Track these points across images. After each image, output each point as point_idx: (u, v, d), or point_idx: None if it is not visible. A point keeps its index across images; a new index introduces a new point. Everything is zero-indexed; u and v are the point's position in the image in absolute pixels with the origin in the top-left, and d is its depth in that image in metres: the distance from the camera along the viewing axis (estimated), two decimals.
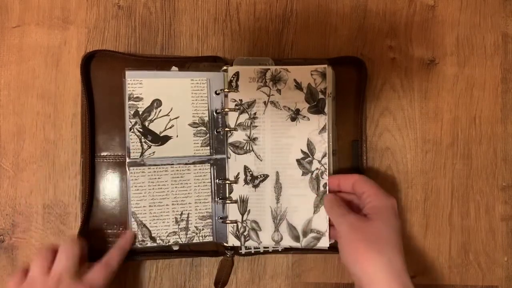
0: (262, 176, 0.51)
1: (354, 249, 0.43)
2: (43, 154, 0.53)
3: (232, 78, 0.51)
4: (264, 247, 0.52)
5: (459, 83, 0.56)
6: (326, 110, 0.50)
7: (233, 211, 0.51)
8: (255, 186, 0.51)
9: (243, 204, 0.51)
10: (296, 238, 0.50)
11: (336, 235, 0.49)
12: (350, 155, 0.54)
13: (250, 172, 0.51)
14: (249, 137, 0.51)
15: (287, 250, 0.52)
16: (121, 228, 0.51)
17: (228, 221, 0.51)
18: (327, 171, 0.50)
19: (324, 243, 0.50)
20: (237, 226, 0.51)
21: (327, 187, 0.50)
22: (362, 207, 0.47)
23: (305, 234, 0.50)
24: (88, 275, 0.46)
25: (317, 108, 0.50)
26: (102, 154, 0.52)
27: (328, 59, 0.53)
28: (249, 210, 0.51)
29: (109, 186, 0.52)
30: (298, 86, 0.50)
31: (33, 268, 0.45)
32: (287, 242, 0.50)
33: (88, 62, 0.52)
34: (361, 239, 0.43)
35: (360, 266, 0.43)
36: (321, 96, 0.50)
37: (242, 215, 0.51)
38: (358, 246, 0.43)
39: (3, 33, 0.54)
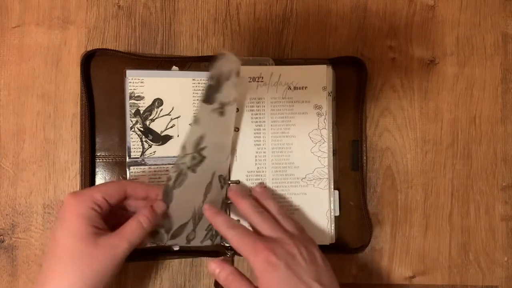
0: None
1: None
2: (43, 154, 0.53)
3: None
4: None
5: (459, 83, 0.56)
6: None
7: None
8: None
9: None
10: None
11: None
12: (350, 155, 0.54)
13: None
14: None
15: None
16: None
17: None
18: (329, 169, 0.50)
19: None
20: None
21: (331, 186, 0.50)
22: None
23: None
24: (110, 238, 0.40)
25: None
26: (102, 153, 0.52)
27: (328, 59, 0.53)
28: None
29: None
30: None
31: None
32: None
33: (88, 61, 0.52)
34: None
35: None
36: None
37: None
38: None
39: (3, 33, 0.54)
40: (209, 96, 0.46)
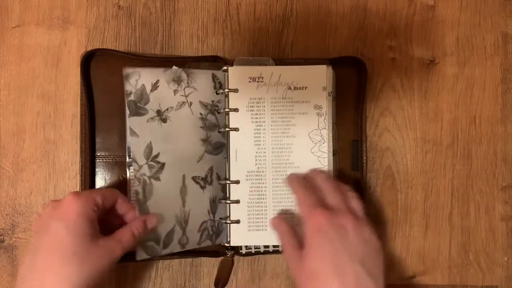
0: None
1: None
2: (43, 154, 0.53)
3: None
4: (265, 247, 0.52)
5: (459, 83, 0.56)
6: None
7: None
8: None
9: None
10: None
11: None
12: (350, 155, 0.54)
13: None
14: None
15: None
16: None
17: (229, 221, 0.51)
18: (329, 169, 0.50)
19: None
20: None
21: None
22: None
23: None
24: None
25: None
26: (102, 153, 0.52)
27: (328, 59, 0.53)
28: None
29: (109, 186, 0.52)
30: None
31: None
32: None
33: (88, 61, 0.52)
34: (297, 282, 0.41)
35: None
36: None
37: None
38: None
39: (3, 33, 0.54)
40: (136, 110, 0.48)
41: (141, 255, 0.46)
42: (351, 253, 0.40)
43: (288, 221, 0.47)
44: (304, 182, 0.47)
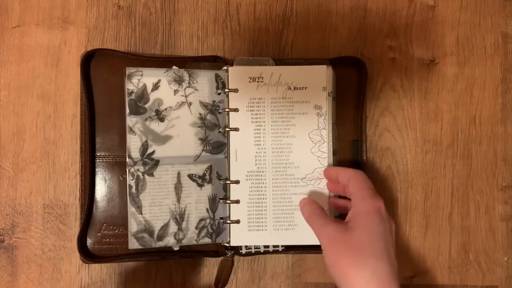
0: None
1: (337, 264, 0.41)
2: (43, 154, 0.53)
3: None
4: (265, 247, 0.52)
5: (459, 83, 0.56)
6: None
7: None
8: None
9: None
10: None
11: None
12: (350, 155, 0.54)
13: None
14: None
15: (287, 250, 0.52)
16: (121, 229, 0.51)
17: (229, 221, 0.51)
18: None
19: None
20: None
21: (326, 189, 0.50)
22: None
23: None
24: None
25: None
26: (102, 153, 0.52)
27: (328, 59, 0.53)
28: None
29: (109, 186, 0.52)
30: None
31: None
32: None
33: (88, 61, 0.52)
34: (342, 252, 0.41)
35: (345, 281, 0.40)
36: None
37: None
38: (339, 260, 0.41)
39: (3, 33, 0.54)
40: (135, 109, 0.50)
41: (134, 244, 0.48)
42: (394, 247, 0.43)
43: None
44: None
